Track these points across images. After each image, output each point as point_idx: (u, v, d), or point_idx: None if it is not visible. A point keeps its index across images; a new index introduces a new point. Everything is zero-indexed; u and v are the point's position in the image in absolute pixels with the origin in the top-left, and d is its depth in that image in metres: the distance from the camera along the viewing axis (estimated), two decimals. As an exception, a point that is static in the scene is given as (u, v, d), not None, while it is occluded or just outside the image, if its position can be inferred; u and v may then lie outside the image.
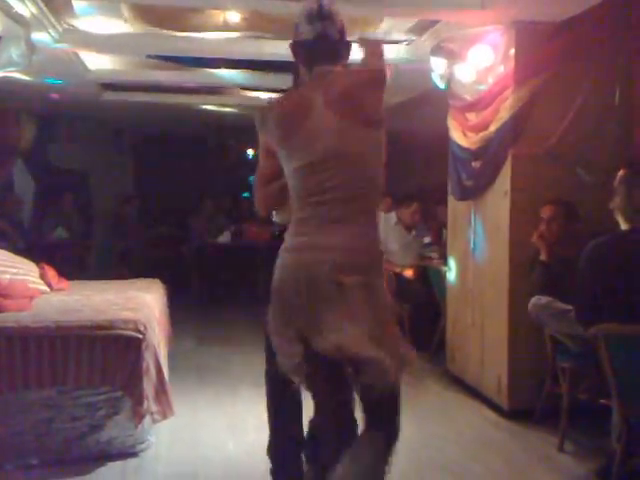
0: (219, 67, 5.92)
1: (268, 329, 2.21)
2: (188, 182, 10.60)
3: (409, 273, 6.11)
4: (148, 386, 3.45)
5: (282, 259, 2.18)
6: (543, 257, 3.96)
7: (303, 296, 2.08)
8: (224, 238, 8.76)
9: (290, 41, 2.28)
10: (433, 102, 5.64)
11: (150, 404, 3.46)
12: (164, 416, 3.57)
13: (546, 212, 4.02)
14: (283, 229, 2.33)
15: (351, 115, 2.12)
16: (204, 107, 7.85)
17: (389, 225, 6.51)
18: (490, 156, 4.32)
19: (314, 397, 2.21)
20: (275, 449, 3.06)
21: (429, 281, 5.85)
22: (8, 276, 4.29)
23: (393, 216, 6.57)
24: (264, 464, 3.42)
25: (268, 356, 2.76)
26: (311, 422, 2.70)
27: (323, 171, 2.10)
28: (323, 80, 2.18)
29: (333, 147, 2.10)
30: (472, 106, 4.56)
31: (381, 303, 2.13)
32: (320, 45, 2.20)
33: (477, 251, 4.63)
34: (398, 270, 6.15)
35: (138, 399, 3.40)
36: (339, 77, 2.19)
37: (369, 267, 2.14)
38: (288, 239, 2.20)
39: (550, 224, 3.99)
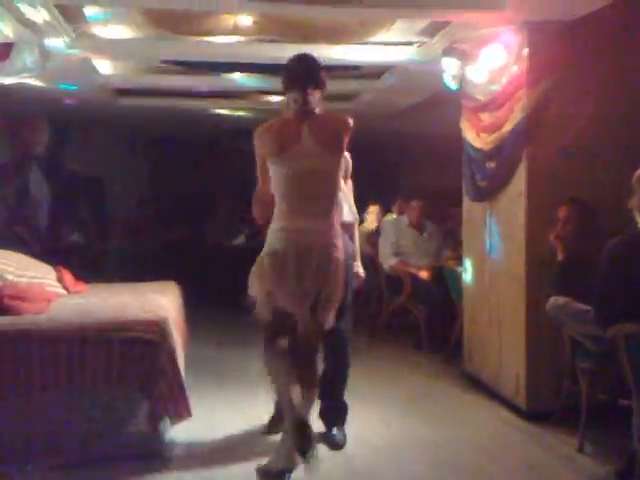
0: (232, 71, 5.94)
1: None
2: (203, 185, 10.64)
3: (424, 274, 6.10)
4: (165, 388, 3.47)
5: (274, 236, 3.14)
6: (560, 257, 3.93)
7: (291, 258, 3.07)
8: (239, 240, 8.77)
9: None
10: (445, 104, 5.63)
11: (167, 405, 3.47)
12: (181, 417, 3.58)
13: (562, 212, 3.99)
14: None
15: (326, 145, 3.11)
16: (218, 111, 7.87)
17: (401, 227, 6.49)
18: (504, 156, 4.30)
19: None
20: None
21: (445, 282, 5.82)
22: (25, 279, 4.33)
23: (405, 218, 6.58)
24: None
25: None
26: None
27: (305, 180, 3.09)
28: (307, 116, 3.13)
29: (312, 166, 3.09)
30: (485, 106, 4.55)
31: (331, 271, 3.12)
32: (304, 112, 3.14)
33: (493, 252, 4.61)
34: (413, 271, 6.15)
35: (155, 400, 3.42)
36: (322, 119, 3.19)
37: (328, 243, 3.12)
38: (277, 224, 3.15)
39: (566, 224, 3.96)
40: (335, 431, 3.78)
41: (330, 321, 3.23)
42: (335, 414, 3.84)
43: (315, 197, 3.12)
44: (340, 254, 3.17)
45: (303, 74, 3.15)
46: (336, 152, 3.16)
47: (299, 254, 3.06)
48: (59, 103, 6.87)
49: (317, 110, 3.16)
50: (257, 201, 3.38)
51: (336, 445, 3.71)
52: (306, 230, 3.08)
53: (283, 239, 3.09)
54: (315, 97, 3.13)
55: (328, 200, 3.17)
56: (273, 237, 3.15)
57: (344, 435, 3.79)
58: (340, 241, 3.20)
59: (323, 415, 3.83)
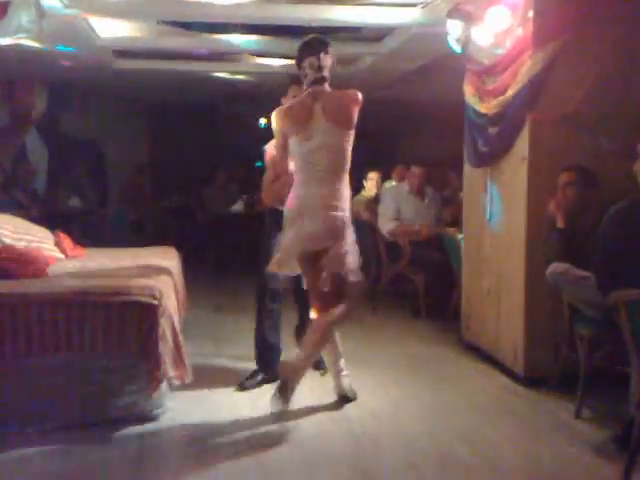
0: (231, 32, 5.85)
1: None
2: (201, 151, 10.56)
3: (424, 232, 6.09)
4: (165, 351, 3.47)
5: (297, 199, 3.58)
6: (560, 224, 3.91)
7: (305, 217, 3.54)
8: (237, 207, 8.74)
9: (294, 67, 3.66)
10: (446, 70, 5.55)
11: (167, 369, 3.48)
12: (182, 380, 3.59)
13: (562, 179, 3.95)
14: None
15: (338, 122, 3.51)
16: (217, 75, 7.77)
17: (402, 194, 6.48)
18: (507, 121, 4.24)
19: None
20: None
21: (444, 249, 5.81)
22: (24, 243, 4.32)
23: (405, 185, 6.56)
24: (280, 426, 3.48)
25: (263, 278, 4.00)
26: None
27: (320, 154, 3.51)
28: (319, 95, 3.55)
29: (326, 141, 3.51)
30: (489, 70, 4.47)
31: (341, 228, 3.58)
32: (317, 81, 3.56)
33: (493, 218, 4.58)
34: (415, 229, 6.13)
35: (155, 364, 3.42)
36: (333, 96, 3.58)
37: (338, 206, 3.56)
38: (298, 191, 3.58)
39: (565, 190, 3.92)
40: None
41: (352, 271, 3.65)
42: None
43: (329, 169, 3.54)
44: (348, 218, 3.63)
45: (316, 42, 3.63)
46: (348, 127, 3.54)
47: (313, 217, 3.52)
48: (57, 66, 6.77)
49: (327, 87, 3.59)
50: (268, 182, 3.92)
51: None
52: (320, 196, 3.53)
53: (300, 206, 3.55)
54: (327, 62, 3.57)
55: (341, 171, 3.59)
56: (293, 204, 3.59)
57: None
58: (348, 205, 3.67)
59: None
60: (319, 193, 3.53)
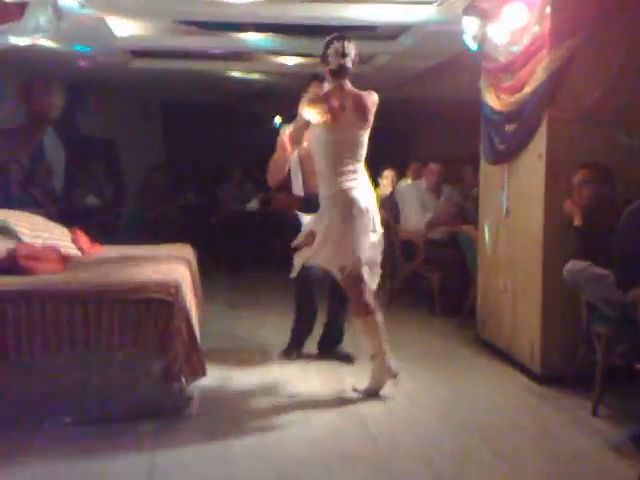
0: (247, 32, 5.86)
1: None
2: (217, 150, 10.60)
3: (442, 230, 6.06)
4: (180, 348, 3.48)
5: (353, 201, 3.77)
6: (577, 222, 3.88)
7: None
8: (252, 205, 8.76)
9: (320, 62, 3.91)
10: (461, 68, 5.53)
11: (182, 365, 3.49)
12: (196, 377, 3.59)
13: (578, 177, 3.91)
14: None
15: (362, 118, 3.80)
16: (232, 74, 7.80)
17: (420, 191, 6.42)
18: (525, 119, 4.21)
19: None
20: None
21: (460, 247, 5.79)
22: (41, 240, 4.35)
23: (422, 183, 6.52)
24: (295, 424, 3.49)
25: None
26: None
27: (346, 146, 3.81)
28: (349, 92, 3.81)
29: (352, 134, 3.81)
30: (506, 68, 4.44)
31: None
32: (341, 71, 3.80)
33: (510, 216, 4.56)
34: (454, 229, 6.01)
35: (170, 360, 3.43)
36: (358, 95, 3.82)
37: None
38: (347, 186, 3.80)
39: (582, 188, 3.88)
40: (340, 348, 4.65)
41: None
42: (340, 336, 4.68)
43: (349, 159, 3.82)
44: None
45: (341, 33, 3.89)
46: (368, 123, 3.85)
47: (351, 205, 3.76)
48: (74, 65, 6.82)
49: (351, 86, 3.83)
50: (273, 165, 4.24)
51: (347, 357, 4.56)
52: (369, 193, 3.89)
53: (358, 200, 3.78)
54: (351, 50, 3.77)
55: (359, 161, 3.88)
56: (350, 198, 3.78)
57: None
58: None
59: (328, 339, 4.65)
60: (346, 183, 3.79)
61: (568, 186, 3.96)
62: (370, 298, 3.91)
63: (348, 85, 3.81)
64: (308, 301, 4.60)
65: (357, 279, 3.85)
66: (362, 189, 3.82)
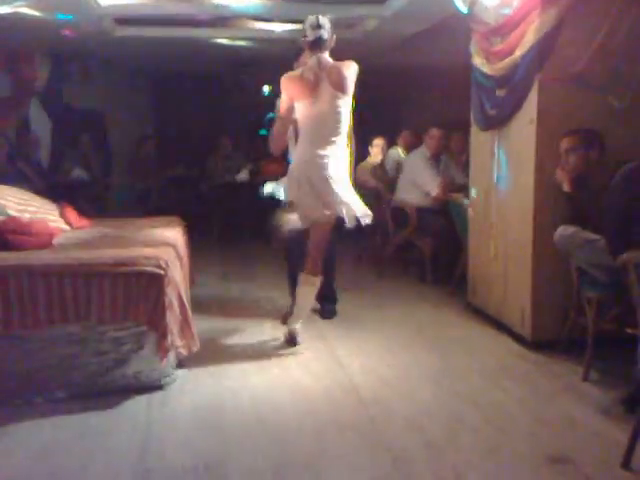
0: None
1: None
2: (205, 121, 10.48)
3: (437, 192, 6.00)
4: (172, 321, 3.47)
5: (301, 161, 4.08)
6: (566, 188, 3.86)
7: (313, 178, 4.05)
8: (242, 176, 8.70)
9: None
10: (451, 33, 5.44)
11: (174, 338, 3.48)
12: (189, 350, 3.60)
13: (563, 144, 3.88)
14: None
15: (340, 89, 3.96)
16: (219, 41, 7.66)
17: (424, 160, 6.25)
18: (516, 83, 4.16)
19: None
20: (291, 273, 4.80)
21: (450, 215, 5.77)
22: (28, 215, 4.31)
23: (425, 150, 6.34)
24: (288, 395, 3.50)
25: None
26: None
27: (323, 117, 3.99)
28: (325, 64, 3.97)
29: (329, 106, 3.98)
30: (496, 31, 4.37)
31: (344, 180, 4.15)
32: (317, 43, 3.98)
33: (501, 182, 4.53)
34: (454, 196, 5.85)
35: (162, 334, 3.42)
36: (336, 66, 3.98)
37: (340, 165, 4.10)
38: (303, 151, 4.07)
39: (568, 155, 3.85)
40: (327, 306, 4.96)
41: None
42: (330, 295, 4.96)
43: (331, 130, 4.02)
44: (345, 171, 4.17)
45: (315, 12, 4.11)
46: (347, 94, 4.02)
47: (318, 174, 4.01)
48: (58, 36, 6.67)
49: (329, 58, 4.02)
50: (275, 135, 4.20)
51: (329, 313, 4.92)
52: (324, 155, 4.02)
53: (307, 162, 4.03)
54: (325, 22, 4.00)
55: (341, 131, 4.07)
56: (299, 162, 4.08)
57: (335, 310, 4.99)
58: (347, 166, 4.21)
59: (319, 297, 4.66)
60: (326, 154, 4.02)
61: (559, 151, 3.93)
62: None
63: (325, 57, 4.00)
64: (299, 263, 4.55)
65: (323, 239, 4.19)
66: (334, 159, 4.04)
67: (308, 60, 4.04)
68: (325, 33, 3.97)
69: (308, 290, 4.22)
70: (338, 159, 4.08)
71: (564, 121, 3.96)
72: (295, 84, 3.97)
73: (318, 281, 4.22)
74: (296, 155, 4.15)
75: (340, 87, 3.94)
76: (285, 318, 4.60)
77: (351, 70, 3.99)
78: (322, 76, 3.94)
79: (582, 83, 3.95)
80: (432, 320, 4.91)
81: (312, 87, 3.94)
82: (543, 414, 3.26)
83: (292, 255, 4.76)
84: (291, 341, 4.27)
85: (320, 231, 4.14)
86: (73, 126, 8.38)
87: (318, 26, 3.95)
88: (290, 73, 4.07)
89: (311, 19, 3.99)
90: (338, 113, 3.99)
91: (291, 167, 4.16)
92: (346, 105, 4.03)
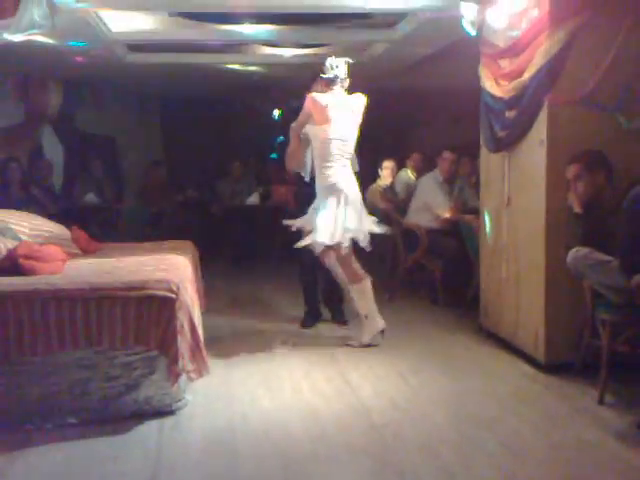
0: (242, 23, 5.82)
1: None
2: (215, 145, 10.55)
3: (449, 214, 5.99)
4: (183, 345, 3.45)
5: (324, 182, 4.64)
6: (577, 209, 3.84)
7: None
8: (252, 200, 8.73)
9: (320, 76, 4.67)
10: (460, 55, 5.47)
11: (185, 363, 3.46)
12: (200, 374, 3.57)
13: (569, 173, 3.86)
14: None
15: (353, 119, 4.65)
16: (229, 67, 7.75)
17: (436, 182, 6.23)
18: (525, 105, 4.17)
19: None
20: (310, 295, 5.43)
21: (461, 236, 5.75)
22: (40, 240, 4.34)
23: (437, 173, 6.33)
24: (300, 419, 3.47)
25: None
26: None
27: (339, 143, 4.60)
28: (341, 97, 4.63)
29: (344, 133, 4.61)
30: (505, 53, 4.40)
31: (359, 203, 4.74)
32: (335, 80, 4.62)
33: (511, 204, 4.52)
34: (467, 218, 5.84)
35: (173, 358, 3.41)
36: (348, 98, 4.66)
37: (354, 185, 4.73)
38: (322, 174, 4.65)
39: (576, 184, 3.83)
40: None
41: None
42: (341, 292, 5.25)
43: (338, 155, 4.60)
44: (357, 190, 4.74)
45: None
46: (357, 123, 4.69)
47: (336, 192, 4.60)
48: (70, 62, 6.77)
49: (343, 92, 4.65)
50: (290, 154, 4.89)
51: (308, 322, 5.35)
52: (351, 182, 4.68)
53: (340, 187, 4.60)
54: (342, 63, 4.63)
55: (349, 155, 4.70)
56: (334, 185, 4.61)
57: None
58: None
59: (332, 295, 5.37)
60: (341, 174, 4.61)
61: (567, 177, 3.92)
62: (357, 266, 4.81)
63: (340, 91, 4.63)
64: (312, 278, 5.37)
65: (342, 252, 4.69)
66: (345, 181, 4.62)
67: (324, 92, 4.60)
68: (342, 72, 4.60)
69: (361, 297, 4.75)
70: (349, 179, 4.67)
71: (574, 142, 3.95)
72: (317, 108, 4.54)
73: (365, 284, 4.78)
74: (316, 177, 4.71)
75: (351, 117, 4.62)
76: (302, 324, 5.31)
77: (360, 102, 4.66)
78: (340, 107, 4.56)
79: (592, 104, 3.95)
80: (444, 343, 4.88)
81: (328, 115, 4.51)
82: (558, 438, 3.21)
83: (307, 269, 5.27)
84: (377, 336, 4.76)
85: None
86: (85, 151, 8.47)
87: (336, 67, 4.59)
88: (318, 95, 4.57)
89: (330, 60, 4.61)
90: (348, 139, 4.63)
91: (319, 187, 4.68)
92: (355, 133, 4.66)
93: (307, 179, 4.86)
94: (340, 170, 4.58)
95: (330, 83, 4.60)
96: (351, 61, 4.70)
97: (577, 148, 3.90)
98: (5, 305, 3.38)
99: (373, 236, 4.72)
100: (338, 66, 4.59)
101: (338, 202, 4.56)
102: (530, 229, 4.26)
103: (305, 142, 4.78)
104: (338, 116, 4.52)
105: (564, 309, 4.08)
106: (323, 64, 4.61)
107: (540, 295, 4.13)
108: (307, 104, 4.57)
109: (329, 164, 4.57)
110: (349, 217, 4.58)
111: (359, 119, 4.64)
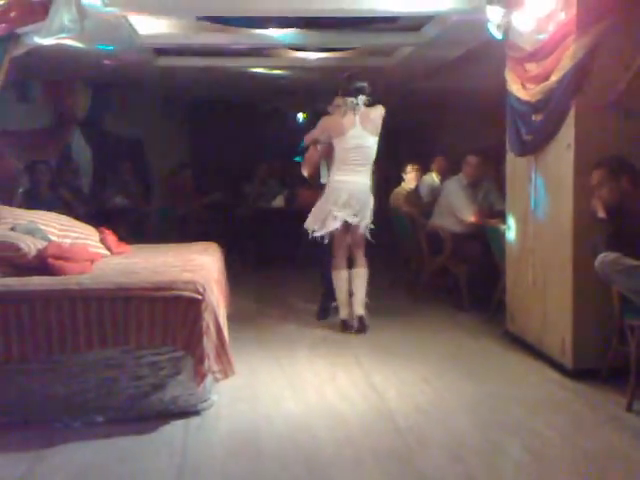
0: (268, 27, 5.85)
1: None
2: (241, 148, 10.61)
3: (474, 218, 5.96)
4: (209, 346, 3.48)
5: (335, 187, 5.21)
6: (600, 215, 3.79)
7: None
8: (277, 203, 8.76)
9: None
10: (486, 58, 5.45)
11: (211, 363, 3.49)
12: (225, 375, 3.60)
13: (593, 178, 3.82)
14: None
15: (369, 130, 5.15)
16: (255, 70, 7.80)
17: (460, 186, 6.20)
18: (552, 108, 4.14)
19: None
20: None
21: (487, 240, 5.71)
22: (69, 240, 4.40)
23: (462, 177, 6.30)
24: (324, 422, 3.47)
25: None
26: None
27: (356, 152, 5.14)
28: (357, 109, 5.11)
29: (360, 143, 5.14)
30: (532, 56, 4.37)
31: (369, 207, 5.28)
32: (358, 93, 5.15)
33: (538, 208, 4.49)
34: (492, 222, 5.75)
35: (199, 358, 3.44)
36: (367, 111, 5.16)
37: (368, 190, 5.27)
38: (334, 177, 5.21)
39: (600, 191, 3.79)
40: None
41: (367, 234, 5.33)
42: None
43: (361, 163, 5.16)
44: (371, 195, 5.29)
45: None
46: (375, 134, 5.19)
47: (348, 192, 5.15)
48: (99, 65, 6.87)
49: (363, 106, 5.13)
50: (308, 160, 5.49)
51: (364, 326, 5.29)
52: (355, 182, 5.18)
53: (341, 189, 5.16)
54: (364, 84, 5.15)
55: (369, 165, 5.25)
56: (334, 187, 5.18)
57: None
58: (370, 187, 5.30)
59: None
60: (356, 181, 5.17)
61: (591, 183, 3.88)
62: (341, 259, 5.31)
63: (360, 106, 5.11)
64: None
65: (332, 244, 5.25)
66: (348, 183, 5.14)
67: (342, 106, 5.13)
68: (362, 92, 5.12)
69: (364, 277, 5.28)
70: (364, 184, 5.20)
71: (602, 146, 3.91)
72: (332, 123, 5.19)
73: (337, 274, 5.29)
74: (333, 178, 5.21)
75: (369, 128, 5.13)
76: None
77: (379, 114, 5.17)
78: (355, 119, 5.09)
79: (619, 108, 3.91)
80: (469, 348, 4.85)
81: (346, 127, 5.08)
82: (586, 446, 3.17)
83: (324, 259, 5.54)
84: (362, 326, 5.19)
85: (358, 234, 5.28)
86: (113, 154, 8.57)
87: (357, 88, 5.12)
88: (331, 116, 5.26)
89: (352, 80, 5.18)
90: (367, 147, 5.15)
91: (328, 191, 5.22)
92: (373, 143, 5.17)
93: (322, 181, 5.46)
94: (348, 174, 5.13)
95: (353, 94, 5.12)
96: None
97: (604, 153, 3.86)
98: (34, 304, 3.44)
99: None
100: (359, 87, 5.11)
101: (332, 196, 5.13)
102: (557, 234, 4.22)
103: (322, 150, 5.32)
104: (355, 129, 5.08)
105: (592, 314, 4.03)
106: (345, 83, 5.17)
107: (567, 300, 4.09)
108: (322, 123, 5.26)
109: (341, 169, 5.14)
110: (340, 207, 5.09)
111: (378, 129, 5.15)
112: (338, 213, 5.10)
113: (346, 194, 5.12)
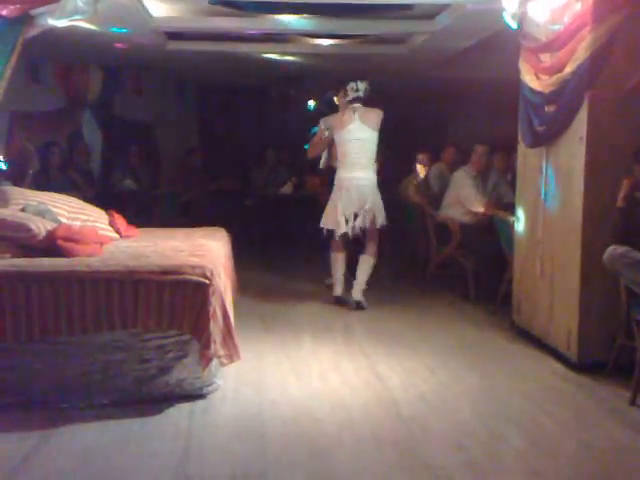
0: (281, 12, 5.83)
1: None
2: (250, 134, 10.60)
3: (482, 209, 5.94)
4: (215, 330, 3.50)
5: (342, 185, 5.60)
6: (619, 202, 3.78)
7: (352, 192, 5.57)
8: (286, 189, 8.76)
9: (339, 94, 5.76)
10: (499, 48, 5.41)
11: (217, 348, 3.51)
12: (231, 360, 3.62)
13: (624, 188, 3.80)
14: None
15: (368, 125, 5.58)
16: (266, 56, 7.77)
17: (468, 176, 6.16)
18: (565, 100, 4.11)
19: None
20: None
21: (495, 232, 5.70)
22: (79, 222, 4.41)
23: (470, 167, 6.26)
24: (328, 407, 3.50)
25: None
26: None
27: (356, 145, 5.55)
28: (357, 109, 5.59)
29: (360, 136, 5.56)
30: (546, 47, 4.34)
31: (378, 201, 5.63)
32: (356, 100, 5.61)
33: (548, 200, 4.47)
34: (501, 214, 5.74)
35: (205, 343, 3.46)
36: (365, 109, 5.62)
37: (372, 185, 5.61)
38: (340, 174, 5.63)
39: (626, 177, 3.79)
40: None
41: (378, 222, 5.59)
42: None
43: (362, 156, 5.55)
44: (376, 189, 5.62)
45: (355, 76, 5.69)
46: (375, 130, 5.60)
47: (355, 190, 5.53)
48: (111, 48, 6.86)
49: (362, 105, 5.59)
50: (313, 145, 6.02)
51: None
52: (360, 178, 5.55)
53: (347, 187, 5.53)
54: (362, 86, 5.59)
55: (371, 159, 5.61)
56: (340, 185, 5.60)
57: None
58: (375, 181, 5.65)
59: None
60: (359, 175, 5.54)
61: (610, 169, 3.87)
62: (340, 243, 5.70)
63: (359, 106, 5.58)
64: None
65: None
66: (351, 177, 5.52)
67: (345, 108, 5.58)
68: (362, 93, 5.56)
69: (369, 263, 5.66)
70: (369, 179, 5.56)
71: (614, 139, 3.90)
72: (334, 120, 5.66)
73: (335, 256, 5.77)
74: (339, 175, 5.64)
75: (367, 124, 5.55)
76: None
77: (377, 114, 5.62)
78: (355, 116, 5.56)
79: (633, 100, 3.88)
80: (474, 338, 4.85)
81: (346, 122, 5.54)
82: (588, 439, 3.18)
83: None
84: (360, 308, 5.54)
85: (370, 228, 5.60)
86: (123, 137, 8.57)
87: (357, 89, 5.56)
88: (332, 115, 5.74)
89: (352, 85, 5.57)
90: (367, 142, 5.55)
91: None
92: (373, 137, 5.58)
93: (320, 167, 6.15)
94: (353, 170, 5.51)
95: (351, 102, 5.57)
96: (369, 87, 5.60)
97: (617, 145, 3.85)
98: (43, 285, 3.46)
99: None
100: (359, 89, 5.53)
101: (340, 194, 5.51)
102: (566, 226, 4.21)
103: (327, 139, 5.74)
104: (354, 123, 5.52)
105: (598, 308, 4.03)
106: (346, 86, 5.57)
107: (574, 293, 4.08)
108: (325, 119, 5.73)
109: (345, 165, 5.56)
110: (348, 206, 5.48)
111: (378, 125, 5.59)
112: (350, 216, 5.50)
113: (354, 192, 5.49)
